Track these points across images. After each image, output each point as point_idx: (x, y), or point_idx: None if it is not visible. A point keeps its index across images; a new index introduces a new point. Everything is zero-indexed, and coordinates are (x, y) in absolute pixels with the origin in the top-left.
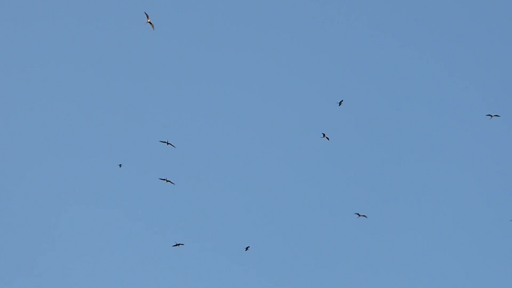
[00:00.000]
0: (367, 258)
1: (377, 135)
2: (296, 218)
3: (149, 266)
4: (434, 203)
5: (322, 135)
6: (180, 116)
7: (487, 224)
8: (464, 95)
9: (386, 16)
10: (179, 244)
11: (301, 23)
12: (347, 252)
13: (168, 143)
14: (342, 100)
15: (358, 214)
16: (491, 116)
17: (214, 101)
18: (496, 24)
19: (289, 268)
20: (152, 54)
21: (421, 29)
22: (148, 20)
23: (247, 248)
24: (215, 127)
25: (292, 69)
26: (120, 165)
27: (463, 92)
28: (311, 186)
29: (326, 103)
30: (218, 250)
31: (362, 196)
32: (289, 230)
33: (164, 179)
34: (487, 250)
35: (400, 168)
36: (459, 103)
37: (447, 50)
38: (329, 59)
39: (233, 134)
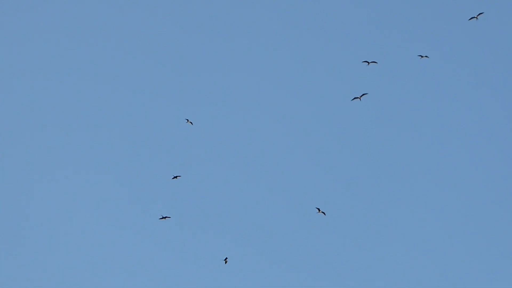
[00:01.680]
0: (367, 257)
1: (376, 135)
2: (294, 219)
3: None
4: (434, 203)
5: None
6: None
7: (487, 224)
8: (463, 95)
9: (385, 16)
10: (226, 259)
11: (301, 22)
12: (346, 253)
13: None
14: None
15: (318, 209)
16: (422, 56)
17: (217, 97)
18: (495, 25)
19: (285, 270)
20: (151, 54)
21: (419, 31)
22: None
23: (320, 210)
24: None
25: (290, 69)
26: (176, 177)
27: (462, 91)
28: (310, 186)
29: (325, 104)
30: (221, 235)
31: (361, 197)
32: (287, 232)
33: (163, 217)
34: (486, 252)
35: (400, 169)
36: (458, 102)
37: (446, 51)
38: (329, 60)
39: (234, 132)
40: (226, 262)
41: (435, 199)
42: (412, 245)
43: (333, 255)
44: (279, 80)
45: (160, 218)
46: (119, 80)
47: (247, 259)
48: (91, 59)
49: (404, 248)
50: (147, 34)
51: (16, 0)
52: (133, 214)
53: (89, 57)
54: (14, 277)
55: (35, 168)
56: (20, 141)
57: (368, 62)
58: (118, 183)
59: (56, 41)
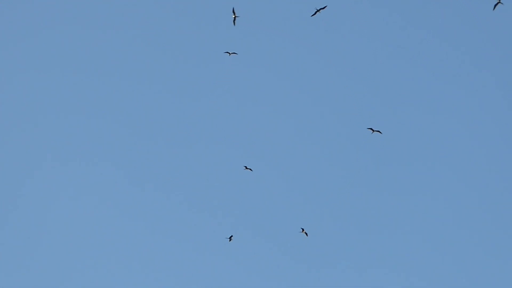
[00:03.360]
0: (365, 257)
1: (375, 134)
2: (294, 220)
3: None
4: (433, 201)
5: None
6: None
7: (486, 224)
8: (460, 94)
9: (383, 16)
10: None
11: (298, 23)
12: (345, 251)
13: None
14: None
15: (372, 129)
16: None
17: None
18: (491, 29)
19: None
20: (152, 43)
21: (416, 32)
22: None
23: (374, 130)
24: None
25: (287, 70)
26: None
27: (459, 91)
28: (308, 186)
29: (322, 104)
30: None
31: (361, 194)
32: (286, 234)
33: (229, 238)
34: (486, 252)
35: (399, 168)
36: (455, 101)
37: (443, 52)
38: (326, 60)
39: (240, 127)
40: (230, 240)
41: (444, 189)
42: (428, 237)
43: (346, 247)
44: (287, 74)
45: (229, 239)
46: (117, 69)
47: (253, 249)
48: (88, 48)
49: (417, 239)
50: (150, 24)
51: None
52: (134, 205)
53: (85, 46)
54: (9, 269)
55: (32, 159)
56: (15, 132)
57: (373, 130)
58: (118, 174)
59: (54, 31)
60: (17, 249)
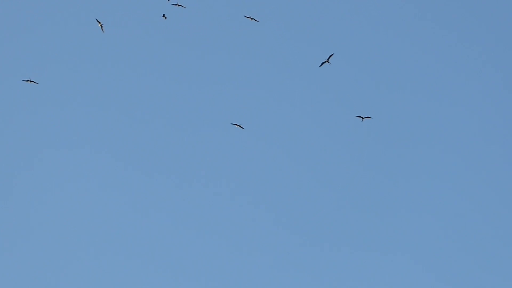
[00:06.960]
0: (373, 240)
1: (376, 128)
2: (299, 208)
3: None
4: (436, 191)
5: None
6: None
7: (494, 209)
8: (461, 89)
9: (382, 11)
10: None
11: (297, 19)
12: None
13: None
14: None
15: (361, 117)
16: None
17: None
18: (493, 25)
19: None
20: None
21: (419, 24)
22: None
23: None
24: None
25: (287, 64)
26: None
27: (460, 85)
28: (312, 176)
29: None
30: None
31: (364, 183)
32: (292, 221)
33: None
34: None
35: (408, 152)
36: (456, 95)
37: (447, 45)
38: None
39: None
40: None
41: (452, 174)
42: (437, 221)
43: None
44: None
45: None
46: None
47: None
48: (89, 40)
49: (425, 223)
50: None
51: None
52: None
53: (87, 37)
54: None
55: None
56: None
57: (362, 118)
58: (119, 166)
59: (55, 19)
60: (14, 244)
